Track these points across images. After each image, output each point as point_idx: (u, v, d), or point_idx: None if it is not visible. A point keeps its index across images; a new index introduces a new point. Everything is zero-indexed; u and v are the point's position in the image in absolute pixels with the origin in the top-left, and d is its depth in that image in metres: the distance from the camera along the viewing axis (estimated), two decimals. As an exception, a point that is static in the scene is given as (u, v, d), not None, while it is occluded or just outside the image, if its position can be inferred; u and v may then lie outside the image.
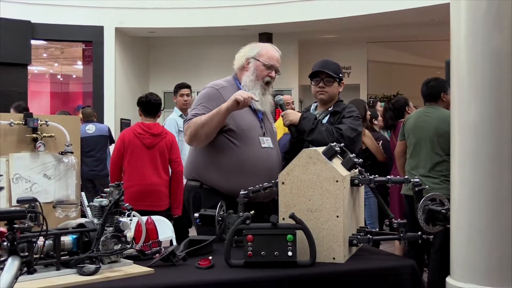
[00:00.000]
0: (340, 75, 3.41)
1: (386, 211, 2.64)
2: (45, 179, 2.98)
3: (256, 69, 3.16)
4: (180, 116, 6.01)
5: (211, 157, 3.07)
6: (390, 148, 5.73)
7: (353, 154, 2.54)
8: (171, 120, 5.87)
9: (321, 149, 2.44)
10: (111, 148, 7.74)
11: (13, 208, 2.30)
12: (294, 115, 3.26)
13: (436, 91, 4.65)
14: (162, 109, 5.34)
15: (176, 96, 6.13)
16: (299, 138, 3.25)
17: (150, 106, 5.16)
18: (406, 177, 2.54)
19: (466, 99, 2.41)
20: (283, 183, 2.41)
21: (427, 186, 2.58)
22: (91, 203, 2.32)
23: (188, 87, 6.10)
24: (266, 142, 3.14)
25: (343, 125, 3.21)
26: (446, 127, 4.43)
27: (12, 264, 1.62)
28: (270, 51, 3.21)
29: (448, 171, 4.35)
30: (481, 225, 2.33)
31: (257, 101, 3.05)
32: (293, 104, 7.31)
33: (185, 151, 5.76)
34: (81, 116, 7.73)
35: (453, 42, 2.50)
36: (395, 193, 5.41)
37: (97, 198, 2.29)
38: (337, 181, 2.33)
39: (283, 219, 2.37)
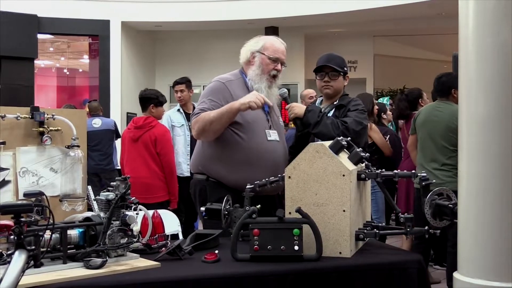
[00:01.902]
0: (345, 68, 3.39)
1: (392, 205, 2.64)
2: (51, 172, 2.98)
3: (262, 63, 3.16)
4: (178, 110, 6.02)
5: (217, 150, 3.07)
6: (397, 142, 5.72)
7: (360, 148, 2.53)
8: (165, 115, 5.91)
9: (327, 143, 2.44)
10: (117, 142, 7.77)
11: (19, 202, 2.31)
12: (299, 108, 3.25)
13: (447, 87, 4.68)
14: (158, 102, 5.33)
15: (173, 91, 6.16)
16: (305, 131, 3.24)
17: (139, 100, 5.34)
18: (413, 171, 2.53)
19: (474, 92, 2.40)
20: (289, 177, 2.40)
21: (434, 180, 2.56)
22: (97, 197, 2.32)
23: (183, 82, 6.06)
24: (273, 135, 3.14)
25: (349, 118, 3.20)
26: (456, 123, 4.46)
27: (19, 258, 1.62)
28: (275, 44, 3.21)
29: None
30: (488, 220, 2.31)
31: (271, 105, 3.05)
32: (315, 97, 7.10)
33: (178, 146, 5.77)
34: (87, 110, 7.74)
35: (461, 35, 2.48)
36: (403, 187, 5.40)
37: (104, 192, 2.30)
38: (343, 175, 2.32)
39: (290, 213, 2.36)
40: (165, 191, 5.14)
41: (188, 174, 5.68)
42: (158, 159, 5.10)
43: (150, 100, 5.26)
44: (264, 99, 2.96)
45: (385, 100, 7.03)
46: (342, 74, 3.36)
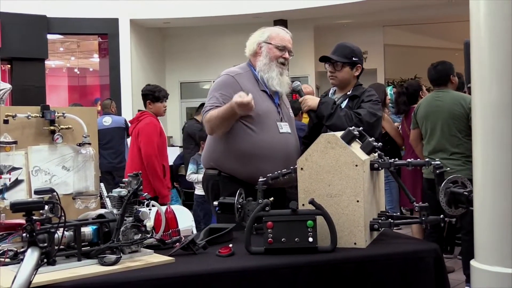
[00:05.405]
0: (354, 59, 3.34)
1: (407, 194, 2.61)
2: (64, 171, 2.99)
3: (269, 52, 3.15)
4: None
5: (229, 144, 3.06)
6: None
7: (372, 138, 2.51)
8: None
9: (339, 133, 2.41)
10: (129, 140, 7.77)
11: (30, 199, 2.31)
12: (313, 100, 3.24)
13: (445, 75, 4.67)
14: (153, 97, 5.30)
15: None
16: (319, 123, 3.22)
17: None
18: (427, 159, 2.50)
19: (487, 78, 2.37)
20: (302, 168, 2.39)
21: (448, 168, 2.53)
22: (110, 194, 2.32)
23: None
24: (284, 127, 3.12)
25: (362, 109, 3.17)
26: (460, 109, 4.44)
27: (31, 255, 1.62)
28: (280, 33, 3.21)
29: (469, 152, 4.35)
30: (505, 206, 2.28)
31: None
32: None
33: None
34: (98, 108, 7.78)
35: (472, 21, 2.44)
36: (406, 177, 5.35)
37: (116, 188, 2.29)
38: (356, 165, 2.30)
39: (303, 205, 2.35)
40: (148, 189, 4.73)
41: None
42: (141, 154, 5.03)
43: (146, 97, 5.31)
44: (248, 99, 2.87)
45: (388, 90, 6.94)
46: (349, 64, 3.32)
